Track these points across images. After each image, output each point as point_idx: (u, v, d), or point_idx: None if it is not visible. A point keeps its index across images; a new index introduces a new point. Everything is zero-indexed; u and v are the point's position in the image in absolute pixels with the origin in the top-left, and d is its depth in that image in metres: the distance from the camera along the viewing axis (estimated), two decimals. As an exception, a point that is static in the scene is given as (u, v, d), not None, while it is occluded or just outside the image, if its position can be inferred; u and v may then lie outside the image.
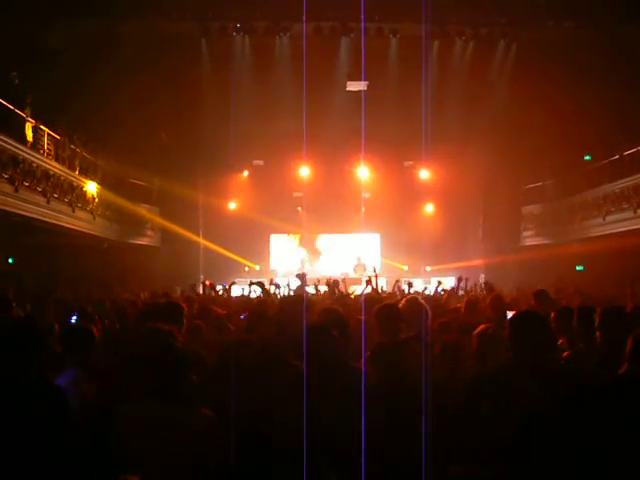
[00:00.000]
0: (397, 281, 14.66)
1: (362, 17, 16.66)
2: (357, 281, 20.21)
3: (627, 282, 13.93)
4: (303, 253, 23.74)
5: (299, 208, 23.40)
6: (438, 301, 9.25)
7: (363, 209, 23.30)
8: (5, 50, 14.63)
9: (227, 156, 19.71)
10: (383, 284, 19.67)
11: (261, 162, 22.96)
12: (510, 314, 5.79)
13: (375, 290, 11.05)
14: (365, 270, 22.34)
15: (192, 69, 19.15)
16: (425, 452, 3.50)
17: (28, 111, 14.64)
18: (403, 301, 6.02)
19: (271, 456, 3.38)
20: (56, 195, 15.72)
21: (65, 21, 16.72)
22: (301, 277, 9.60)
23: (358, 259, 23.08)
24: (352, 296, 11.15)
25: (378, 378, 4.30)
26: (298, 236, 23.88)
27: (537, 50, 18.43)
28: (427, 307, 5.81)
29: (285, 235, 23.93)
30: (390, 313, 5.34)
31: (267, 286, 9.99)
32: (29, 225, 14.57)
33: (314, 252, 24.00)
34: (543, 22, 18.21)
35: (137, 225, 21.18)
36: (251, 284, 10.72)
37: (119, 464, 3.35)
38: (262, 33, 19.43)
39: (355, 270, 22.60)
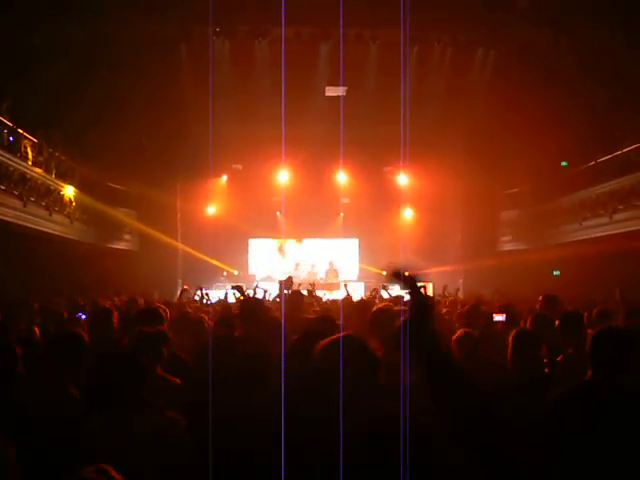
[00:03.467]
0: (374, 289, 14.65)
1: (341, 23, 16.69)
2: (330, 286, 20.25)
3: (602, 287, 14.16)
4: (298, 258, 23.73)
5: (278, 213, 23.40)
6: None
7: (342, 214, 23.36)
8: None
9: (206, 160, 19.63)
10: (361, 289, 19.80)
11: (240, 166, 22.92)
12: (497, 317, 5.86)
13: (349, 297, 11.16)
14: (337, 276, 22.40)
15: (171, 72, 19.08)
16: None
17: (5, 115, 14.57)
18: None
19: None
20: (33, 199, 15.61)
21: (44, 23, 16.56)
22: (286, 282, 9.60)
23: (330, 264, 23.09)
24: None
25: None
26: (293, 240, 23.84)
27: (515, 57, 18.55)
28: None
29: (266, 239, 23.89)
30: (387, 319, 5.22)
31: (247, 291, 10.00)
32: (4, 229, 14.43)
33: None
34: (521, 29, 18.33)
35: (115, 229, 21.07)
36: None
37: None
38: (242, 37, 19.38)
39: (327, 275, 22.61)
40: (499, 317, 6.04)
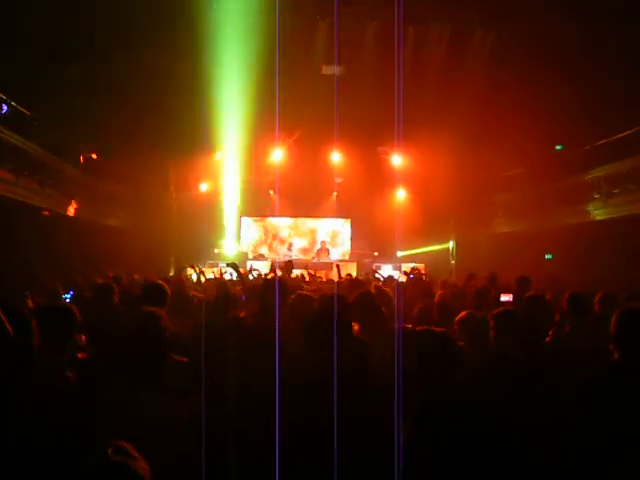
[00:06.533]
0: (369, 271, 14.67)
1: (336, 1, 16.57)
2: (322, 266, 20.19)
3: (596, 270, 14.23)
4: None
5: (271, 191, 23.32)
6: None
7: (335, 193, 23.30)
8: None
9: (200, 137, 19.48)
10: (352, 270, 19.79)
11: (234, 144, 22.75)
12: (504, 297, 5.84)
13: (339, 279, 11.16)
14: (329, 255, 22.37)
15: (167, 49, 18.86)
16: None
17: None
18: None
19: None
20: (26, 173, 15.47)
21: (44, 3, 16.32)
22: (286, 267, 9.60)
23: (322, 244, 23.02)
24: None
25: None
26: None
27: (513, 39, 18.48)
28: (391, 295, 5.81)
29: (258, 218, 23.89)
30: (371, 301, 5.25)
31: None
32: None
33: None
34: (520, 11, 18.22)
35: (108, 206, 20.92)
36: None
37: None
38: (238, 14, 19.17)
39: (319, 255, 22.54)
40: (506, 297, 6.02)
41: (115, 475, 2.09)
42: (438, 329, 3.37)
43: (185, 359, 4.29)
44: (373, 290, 6.16)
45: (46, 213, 16.80)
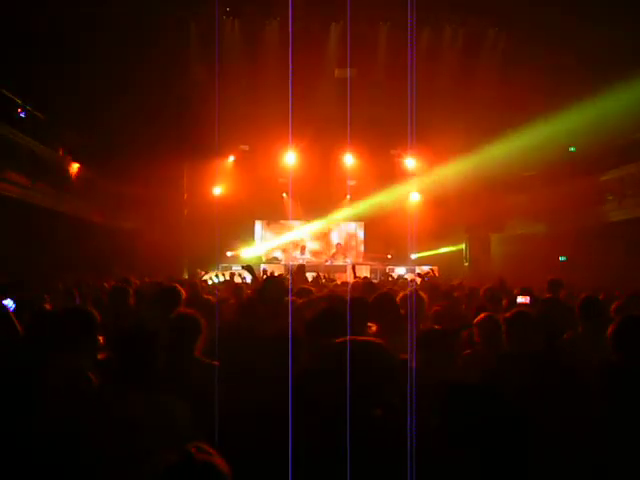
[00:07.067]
0: (385, 273, 14.65)
1: (348, 2, 16.58)
2: (337, 268, 20.25)
3: (610, 272, 14.18)
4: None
5: (284, 194, 23.35)
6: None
7: (348, 196, 23.30)
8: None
9: (213, 140, 19.55)
10: (366, 272, 19.79)
11: (247, 147, 22.81)
12: (520, 299, 5.85)
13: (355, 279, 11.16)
14: (345, 257, 22.41)
15: (180, 52, 18.99)
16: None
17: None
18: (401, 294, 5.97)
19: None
20: (41, 177, 15.60)
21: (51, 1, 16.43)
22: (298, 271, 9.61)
23: (337, 247, 23.07)
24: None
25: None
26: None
27: (526, 39, 18.41)
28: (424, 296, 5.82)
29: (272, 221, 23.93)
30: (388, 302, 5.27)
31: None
32: (12, 206, 14.40)
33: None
34: (532, 12, 18.17)
35: (121, 208, 21.02)
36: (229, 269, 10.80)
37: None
38: (251, 17, 19.25)
39: (334, 258, 22.58)
40: (522, 299, 6.03)
41: (203, 473, 2.14)
42: (368, 338, 3.35)
43: (215, 363, 4.28)
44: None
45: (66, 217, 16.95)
